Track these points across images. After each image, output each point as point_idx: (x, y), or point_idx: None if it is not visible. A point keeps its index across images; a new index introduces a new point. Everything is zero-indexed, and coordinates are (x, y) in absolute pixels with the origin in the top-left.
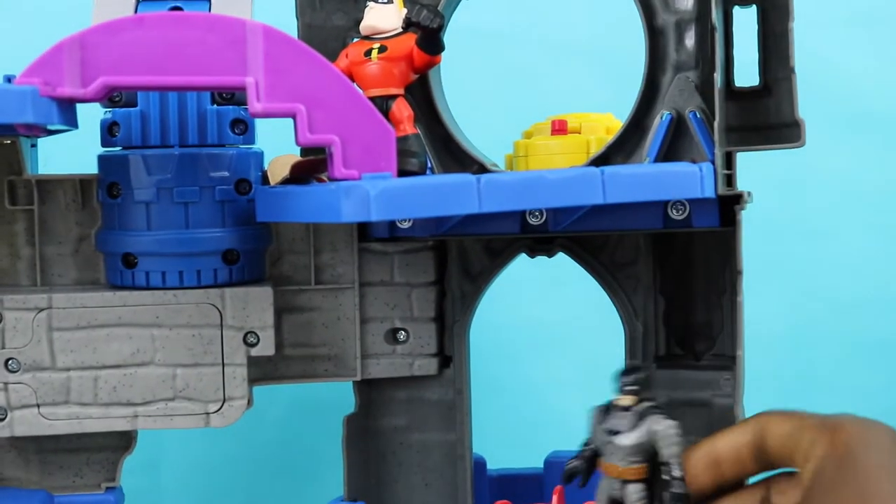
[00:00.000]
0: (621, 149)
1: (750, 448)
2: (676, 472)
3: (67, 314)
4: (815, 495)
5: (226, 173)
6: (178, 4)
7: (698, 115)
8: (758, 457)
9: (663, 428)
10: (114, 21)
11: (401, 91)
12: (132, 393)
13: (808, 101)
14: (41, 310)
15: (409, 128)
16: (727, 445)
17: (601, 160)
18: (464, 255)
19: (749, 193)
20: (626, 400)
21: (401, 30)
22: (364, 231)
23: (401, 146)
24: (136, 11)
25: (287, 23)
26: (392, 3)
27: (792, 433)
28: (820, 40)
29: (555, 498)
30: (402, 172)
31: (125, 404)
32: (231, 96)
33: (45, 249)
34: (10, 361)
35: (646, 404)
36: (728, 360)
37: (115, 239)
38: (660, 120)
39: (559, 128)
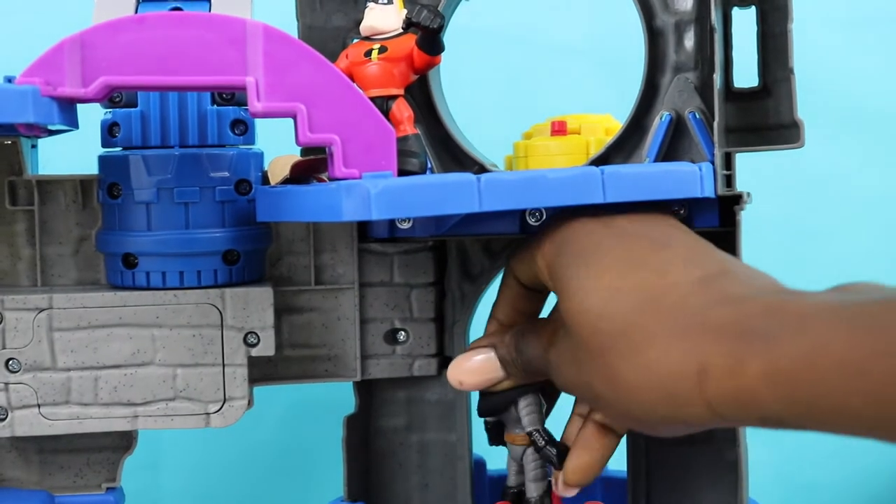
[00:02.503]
0: (621, 150)
1: (523, 299)
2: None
3: (68, 314)
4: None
5: (226, 173)
6: (179, 5)
7: (698, 116)
8: (536, 297)
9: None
10: (114, 21)
11: (401, 91)
12: (132, 393)
13: (808, 101)
14: (42, 310)
15: (409, 128)
16: (504, 312)
17: (601, 161)
18: (463, 256)
19: (748, 194)
20: None
21: (401, 30)
22: (364, 231)
23: (401, 146)
24: (136, 11)
25: (287, 24)
26: (392, 3)
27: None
28: (819, 41)
29: (553, 499)
30: (403, 172)
31: (126, 404)
32: (231, 97)
33: (46, 250)
34: (10, 361)
35: None
36: None
37: (116, 239)
38: (659, 121)
39: (559, 129)
